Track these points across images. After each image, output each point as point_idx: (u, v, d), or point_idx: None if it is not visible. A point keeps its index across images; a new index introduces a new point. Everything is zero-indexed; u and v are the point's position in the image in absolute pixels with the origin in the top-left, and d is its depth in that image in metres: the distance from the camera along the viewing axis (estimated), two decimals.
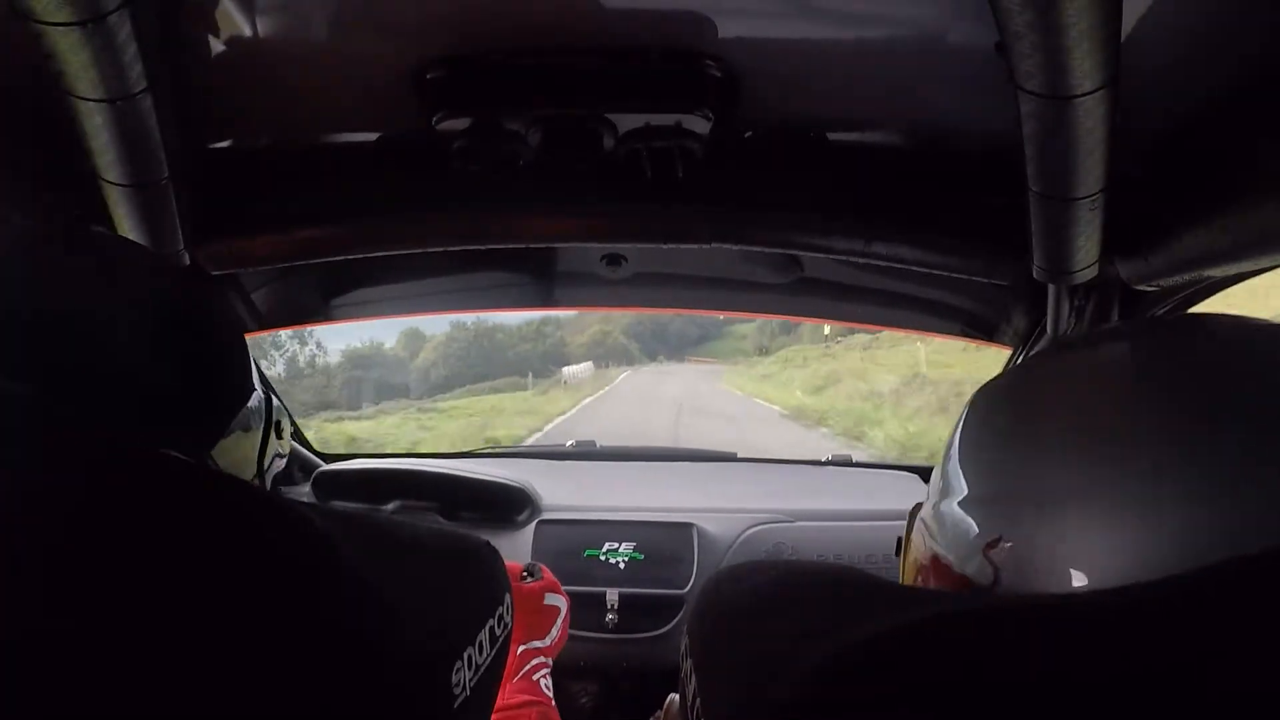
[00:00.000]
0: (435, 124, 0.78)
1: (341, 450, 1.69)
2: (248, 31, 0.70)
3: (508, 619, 0.49)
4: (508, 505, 1.40)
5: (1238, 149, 0.63)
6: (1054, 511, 0.32)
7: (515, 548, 1.34)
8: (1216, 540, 0.28)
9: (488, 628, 0.45)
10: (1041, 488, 0.33)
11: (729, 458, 1.82)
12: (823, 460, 1.79)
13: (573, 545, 1.33)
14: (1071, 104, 0.56)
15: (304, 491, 1.44)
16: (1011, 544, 0.34)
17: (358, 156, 0.92)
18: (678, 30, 0.71)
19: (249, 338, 1.19)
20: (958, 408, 0.43)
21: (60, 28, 0.55)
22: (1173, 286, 0.79)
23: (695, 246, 0.96)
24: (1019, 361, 1.15)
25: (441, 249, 1.00)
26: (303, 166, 0.93)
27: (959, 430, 0.41)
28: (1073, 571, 0.31)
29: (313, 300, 1.33)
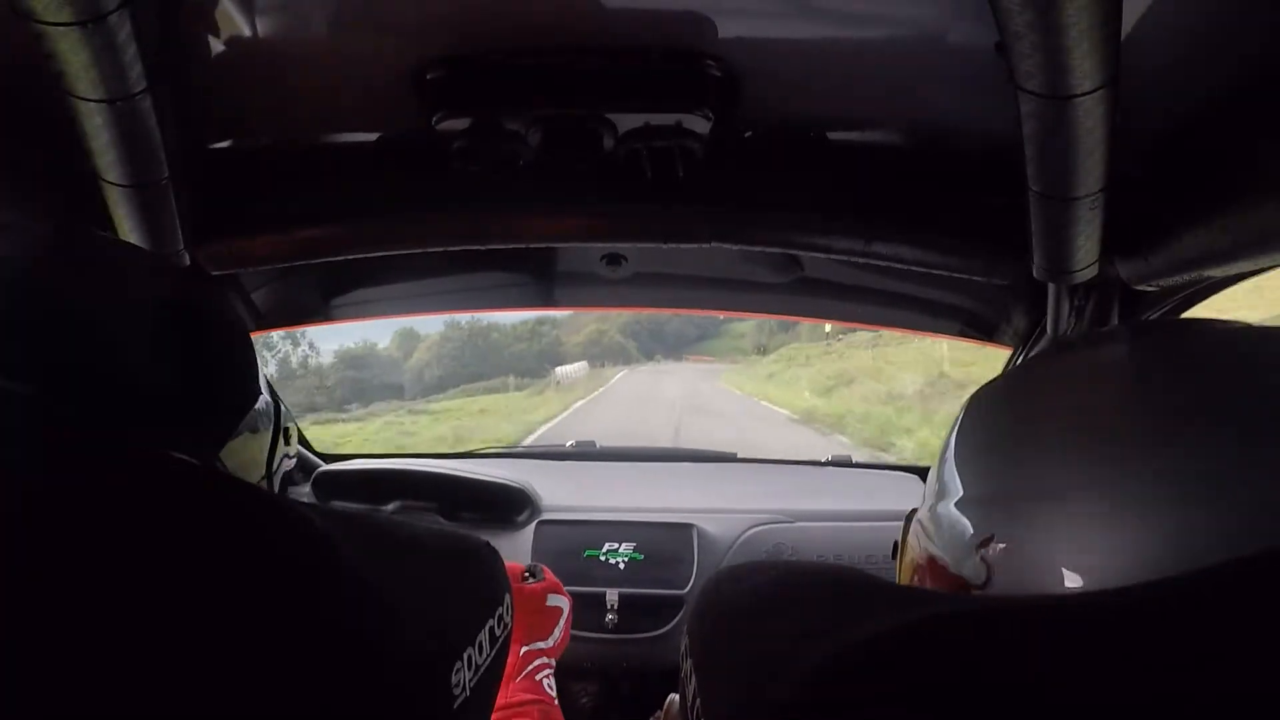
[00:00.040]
0: (435, 124, 0.78)
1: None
2: (248, 31, 0.70)
3: (508, 619, 0.49)
4: (508, 505, 1.40)
5: (1238, 149, 0.63)
6: (1048, 512, 0.32)
7: (515, 548, 1.34)
8: (1212, 542, 0.28)
9: (487, 628, 0.45)
10: (1036, 488, 0.33)
11: (729, 458, 1.83)
12: (823, 460, 1.79)
13: (573, 545, 1.33)
14: (1071, 104, 0.56)
15: (304, 491, 1.44)
16: (1005, 544, 0.34)
17: (358, 156, 0.92)
18: (678, 30, 0.71)
19: None
20: None
21: (60, 28, 0.55)
22: (1173, 286, 0.79)
23: (695, 246, 0.96)
24: (1019, 361, 1.15)
25: (441, 249, 1.00)
26: (303, 166, 0.93)
27: (955, 432, 0.41)
28: (1066, 572, 0.31)
29: (313, 300, 1.33)
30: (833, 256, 0.95)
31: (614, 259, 1.18)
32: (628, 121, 0.79)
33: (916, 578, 0.41)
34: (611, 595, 1.28)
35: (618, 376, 26.15)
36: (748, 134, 0.87)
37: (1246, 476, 0.29)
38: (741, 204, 0.93)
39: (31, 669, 0.27)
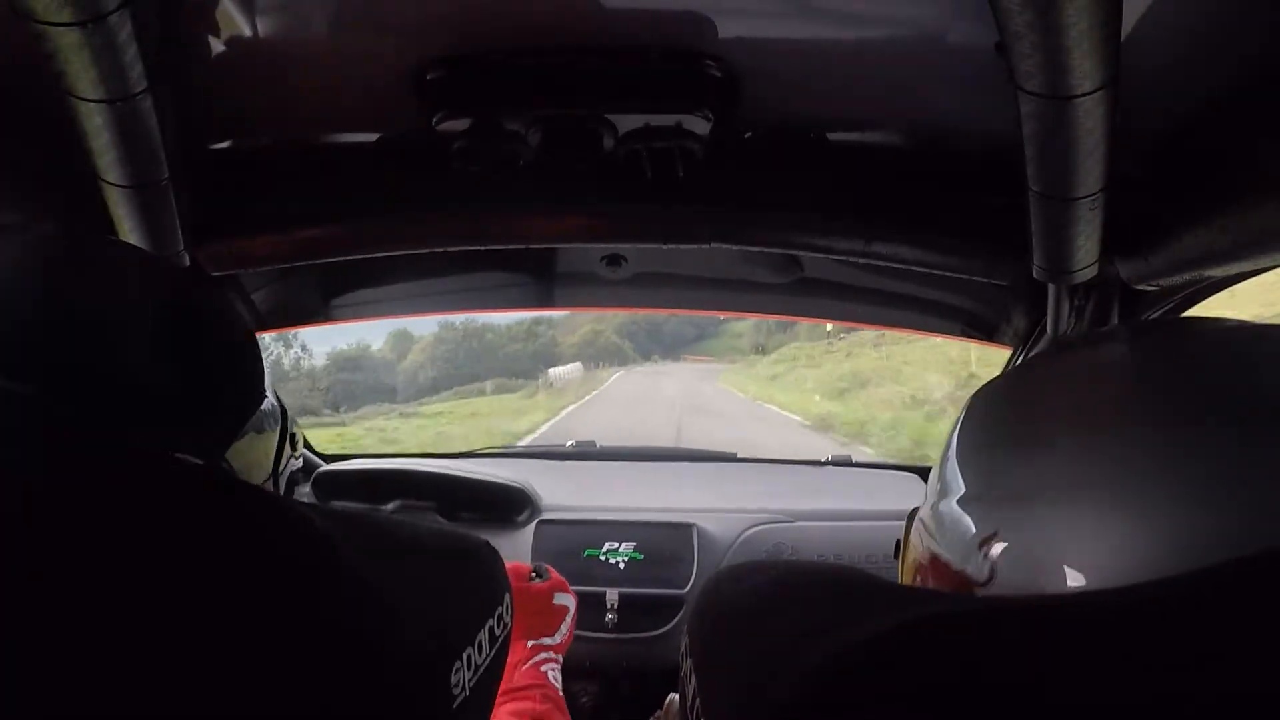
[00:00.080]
0: (435, 124, 0.78)
1: None
2: (248, 31, 0.70)
3: (507, 619, 0.49)
4: (508, 505, 1.40)
5: (1238, 149, 0.63)
6: (1051, 510, 0.32)
7: (515, 548, 1.34)
8: (1213, 542, 0.28)
9: (487, 628, 0.45)
10: (1039, 487, 0.33)
11: (729, 458, 1.82)
12: (823, 460, 1.79)
13: (573, 545, 1.33)
14: (1071, 104, 0.56)
15: (304, 491, 1.44)
16: (1008, 541, 0.34)
17: (358, 156, 0.92)
18: (678, 30, 0.71)
19: None
20: None
21: (60, 28, 0.55)
22: (1173, 286, 0.79)
23: (695, 246, 0.96)
24: (1019, 361, 1.15)
25: (441, 249, 1.00)
26: (303, 166, 0.93)
27: (957, 430, 0.41)
28: (1068, 570, 0.31)
29: (313, 300, 1.33)
30: (833, 257, 0.96)
31: (614, 259, 1.18)
32: (628, 122, 0.79)
33: (919, 577, 0.41)
34: (611, 595, 1.28)
35: (613, 378, 25.19)
36: (748, 134, 0.87)
37: (1248, 476, 0.29)
38: (741, 204, 0.93)
39: (31, 669, 0.27)
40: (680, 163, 0.82)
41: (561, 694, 0.80)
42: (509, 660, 0.74)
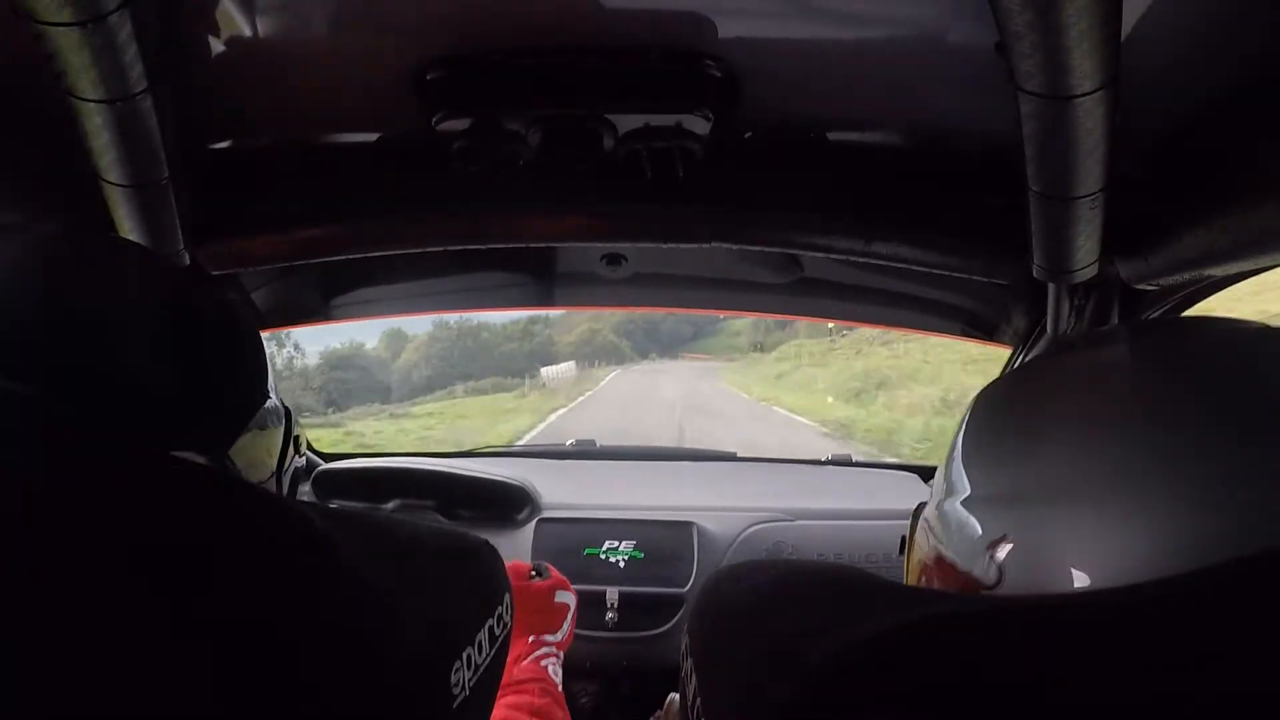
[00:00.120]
0: (435, 124, 0.78)
1: None
2: (248, 31, 0.70)
3: (507, 619, 0.49)
4: (507, 504, 1.40)
5: (1238, 149, 0.63)
6: (1055, 511, 0.32)
7: (515, 547, 1.34)
8: (1215, 542, 0.28)
9: (487, 627, 0.45)
10: (1043, 487, 0.33)
11: (729, 457, 1.83)
12: (823, 459, 1.79)
13: (573, 544, 1.33)
14: (1071, 104, 0.56)
15: (304, 491, 1.44)
16: (1015, 543, 0.34)
17: (358, 156, 0.92)
18: (678, 30, 0.71)
19: None
20: None
21: (60, 28, 0.55)
22: (1173, 286, 0.79)
23: (695, 246, 0.96)
24: (1019, 361, 1.15)
25: (441, 249, 1.00)
26: (303, 166, 0.93)
27: (962, 431, 0.41)
28: (1074, 571, 0.31)
29: (313, 300, 1.33)
30: (833, 256, 0.96)
31: (614, 259, 1.18)
32: (628, 122, 0.80)
33: (924, 578, 0.41)
34: (611, 594, 1.28)
35: (608, 378, 23.88)
36: (748, 134, 0.87)
37: (1250, 476, 0.29)
38: (741, 204, 0.93)
39: (31, 668, 0.27)
40: (680, 162, 0.82)
41: (561, 690, 0.80)
42: (510, 655, 0.74)
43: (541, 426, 12.87)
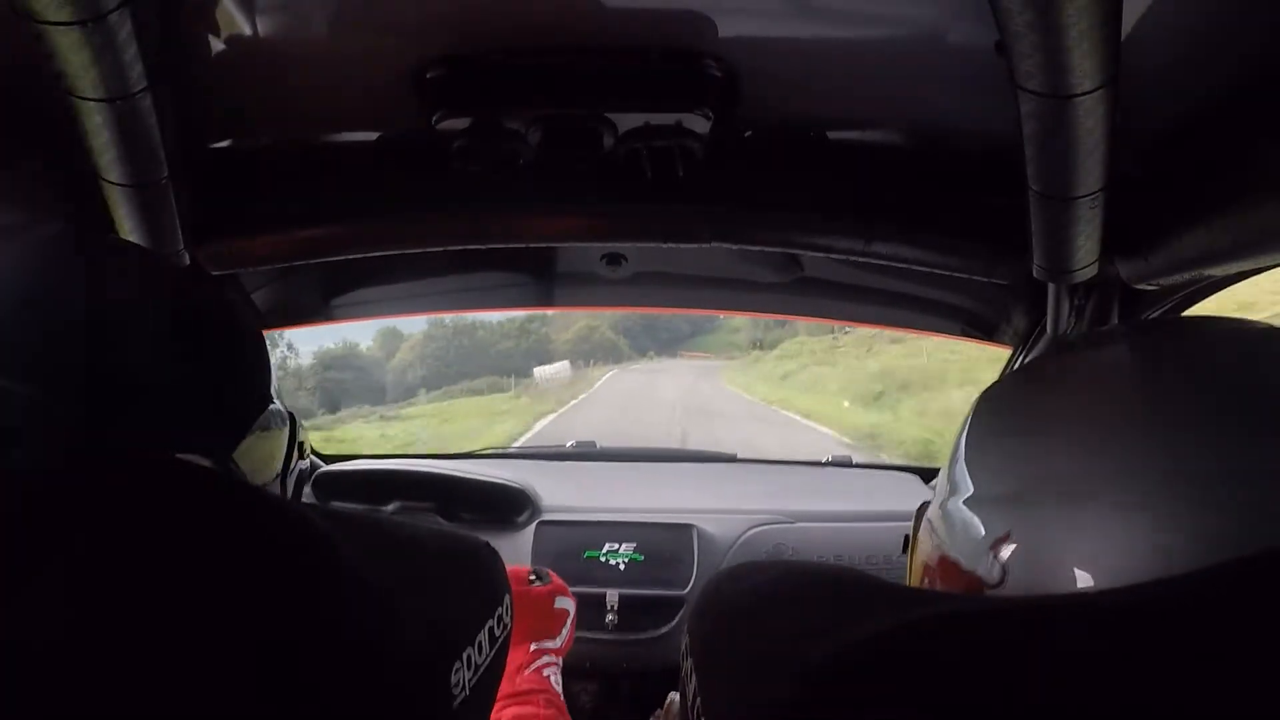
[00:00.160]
0: (435, 124, 0.78)
1: None
2: (248, 31, 0.70)
3: (507, 619, 0.49)
4: (508, 506, 1.40)
5: (1238, 149, 0.63)
6: (1058, 511, 0.32)
7: (515, 548, 1.34)
8: (1214, 541, 0.28)
9: (487, 628, 0.45)
10: (1046, 487, 0.33)
11: (729, 458, 1.82)
12: (823, 461, 1.79)
13: (573, 546, 1.33)
14: (1071, 104, 0.56)
15: (304, 493, 1.44)
16: (1018, 541, 0.34)
17: (358, 156, 0.92)
18: (678, 30, 0.71)
19: None
20: None
21: (60, 27, 0.55)
22: (1173, 286, 0.79)
23: (695, 246, 0.96)
24: (1020, 361, 1.15)
25: (441, 249, 1.00)
26: (303, 166, 0.93)
27: (966, 431, 0.41)
28: (1077, 570, 0.31)
29: (313, 300, 1.33)
30: (833, 256, 0.96)
31: (614, 259, 1.18)
32: (628, 121, 0.80)
33: (927, 577, 0.41)
34: (612, 596, 1.28)
35: (604, 378, 22.52)
36: (748, 134, 0.87)
37: (1251, 476, 0.29)
38: (741, 204, 0.93)
39: (31, 668, 0.27)
40: (680, 162, 0.82)
41: (562, 698, 0.80)
42: (510, 664, 0.74)
43: (527, 436, 11.82)
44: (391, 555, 0.42)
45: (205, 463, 0.45)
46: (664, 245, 0.98)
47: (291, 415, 0.58)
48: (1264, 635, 0.23)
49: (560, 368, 22.93)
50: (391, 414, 17.58)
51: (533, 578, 0.89)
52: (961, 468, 0.39)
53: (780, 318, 1.53)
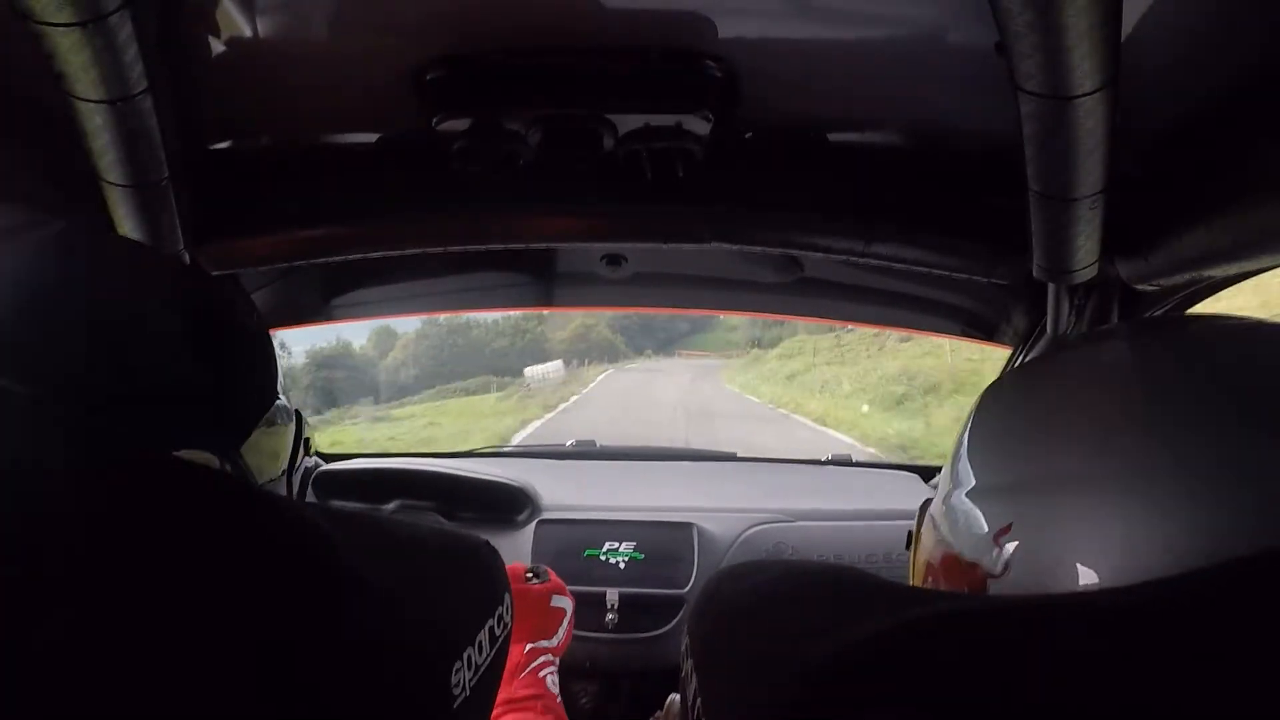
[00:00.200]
0: (435, 124, 0.78)
1: None
2: (248, 31, 0.70)
3: (507, 619, 0.49)
4: (508, 505, 1.40)
5: (1238, 149, 0.63)
6: (1060, 501, 0.33)
7: (515, 547, 1.34)
8: (1213, 536, 0.28)
9: (487, 628, 0.45)
10: (1048, 478, 0.34)
11: (729, 457, 1.82)
12: (823, 460, 1.79)
13: (573, 545, 1.33)
14: (1071, 104, 0.56)
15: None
16: (1020, 535, 0.34)
17: (358, 156, 0.92)
18: (678, 30, 0.71)
19: None
20: None
21: (60, 28, 0.55)
22: (1173, 286, 0.79)
23: (695, 246, 0.96)
24: (1020, 361, 1.15)
25: (441, 249, 1.00)
26: (303, 166, 0.93)
27: (969, 426, 0.41)
28: (1079, 566, 0.31)
29: (313, 300, 1.33)
30: (833, 256, 0.96)
31: (614, 259, 1.18)
32: (628, 122, 0.80)
33: (930, 575, 0.41)
34: (612, 595, 1.28)
35: (599, 379, 21.30)
36: (748, 134, 0.87)
37: (1251, 473, 0.29)
38: (742, 204, 0.93)
39: (31, 667, 0.27)
40: (680, 163, 0.82)
41: (560, 700, 0.80)
42: (506, 665, 0.74)
43: (515, 441, 10.69)
44: (391, 555, 0.42)
45: (212, 459, 0.45)
46: (664, 246, 0.98)
47: (298, 412, 0.58)
48: (1264, 635, 0.23)
49: (553, 367, 21.97)
50: (383, 415, 17.13)
51: (530, 575, 0.88)
52: (964, 462, 0.39)
53: (781, 318, 1.53)
